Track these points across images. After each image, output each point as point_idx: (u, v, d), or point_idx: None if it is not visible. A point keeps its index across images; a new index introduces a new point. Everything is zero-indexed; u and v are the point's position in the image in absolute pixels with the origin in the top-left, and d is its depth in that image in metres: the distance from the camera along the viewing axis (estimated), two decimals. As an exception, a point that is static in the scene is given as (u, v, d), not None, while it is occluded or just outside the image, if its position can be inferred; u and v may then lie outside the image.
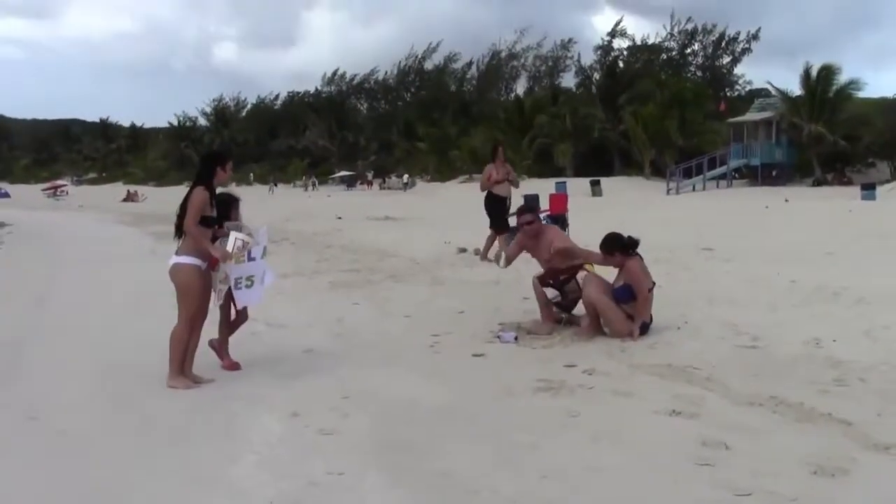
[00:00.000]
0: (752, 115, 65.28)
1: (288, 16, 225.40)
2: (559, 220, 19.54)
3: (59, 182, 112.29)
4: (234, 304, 9.06)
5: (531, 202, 22.30)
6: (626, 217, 28.70)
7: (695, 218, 30.34)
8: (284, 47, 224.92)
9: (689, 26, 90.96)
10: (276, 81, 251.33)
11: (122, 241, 29.87)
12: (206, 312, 8.75)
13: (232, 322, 9.22)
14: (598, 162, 69.56)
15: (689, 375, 8.04)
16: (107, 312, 13.11)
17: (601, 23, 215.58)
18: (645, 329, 9.81)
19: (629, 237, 10.17)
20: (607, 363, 8.64)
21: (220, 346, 9.16)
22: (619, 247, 10.08)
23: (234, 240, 8.43)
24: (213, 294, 8.66)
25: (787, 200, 40.25)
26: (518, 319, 11.08)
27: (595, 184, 56.36)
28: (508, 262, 11.93)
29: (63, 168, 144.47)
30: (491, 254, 17.26)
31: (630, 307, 9.82)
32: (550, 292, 10.61)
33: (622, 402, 7.30)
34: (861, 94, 63.50)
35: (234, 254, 8.40)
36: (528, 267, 15.95)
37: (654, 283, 10.02)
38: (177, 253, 8.43)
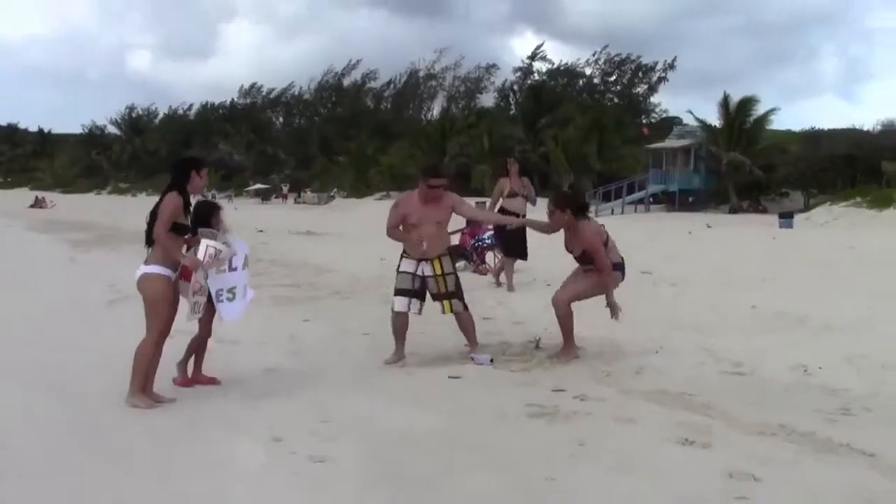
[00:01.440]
0: (671, 142, 65.85)
1: (206, 28, 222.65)
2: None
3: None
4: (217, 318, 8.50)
5: (474, 221, 22.02)
6: (550, 238, 28.45)
7: (621, 241, 29.99)
8: (201, 59, 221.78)
9: (615, 55, 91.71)
10: (192, 93, 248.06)
11: (36, 249, 28.88)
12: (170, 327, 8.17)
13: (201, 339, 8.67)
14: (517, 183, 69.55)
15: (686, 402, 7.71)
16: (37, 327, 12.32)
17: (521, 46, 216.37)
18: (621, 270, 9.88)
19: (581, 200, 10.05)
20: (597, 388, 8.25)
21: (183, 363, 8.61)
22: (573, 204, 9.68)
23: (205, 247, 7.87)
24: (188, 307, 8.09)
25: (709, 226, 40.44)
26: (481, 340, 10.61)
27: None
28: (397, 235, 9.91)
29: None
30: (503, 277, 16.21)
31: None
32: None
33: (627, 430, 6.91)
34: (776, 127, 64.58)
35: (205, 262, 7.85)
36: (485, 289, 15.74)
37: (608, 236, 9.87)
38: (146, 262, 7.87)
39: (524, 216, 15.14)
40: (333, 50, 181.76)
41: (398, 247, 9.61)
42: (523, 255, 15.81)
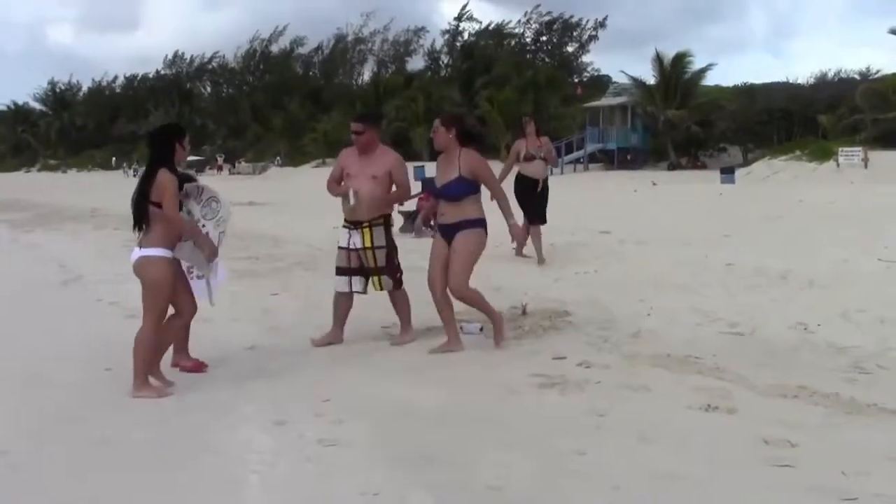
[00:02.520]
0: (607, 101, 65.83)
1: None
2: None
3: None
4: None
5: (428, 185, 21.71)
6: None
7: (570, 201, 30.03)
8: (125, 30, 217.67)
9: (545, 14, 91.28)
10: (117, 65, 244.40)
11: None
12: (194, 306, 7.80)
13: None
14: (454, 146, 69.16)
15: (694, 366, 7.50)
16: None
17: (450, 9, 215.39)
18: (485, 225, 8.56)
19: (471, 127, 9.20)
20: (598, 355, 7.99)
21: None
22: (460, 125, 8.62)
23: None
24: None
25: (654, 184, 40.46)
26: (465, 308, 10.25)
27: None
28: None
29: None
30: (528, 249, 14.62)
31: (470, 204, 8.42)
32: None
33: (645, 398, 6.66)
34: (713, 82, 64.89)
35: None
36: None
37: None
38: (141, 245, 7.39)
39: (546, 180, 14.71)
40: (260, 17, 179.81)
41: (341, 215, 9.10)
42: (544, 219, 14.71)
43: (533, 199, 14.43)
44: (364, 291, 9.03)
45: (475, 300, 8.55)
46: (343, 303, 9.05)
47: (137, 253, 7.38)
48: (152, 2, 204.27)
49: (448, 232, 8.44)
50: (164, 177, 7.21)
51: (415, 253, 15.82)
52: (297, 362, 8.24)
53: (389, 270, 8.94)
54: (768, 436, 5.61)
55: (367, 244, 8.81)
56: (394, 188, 8.94)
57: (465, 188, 8.34)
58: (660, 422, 6.06)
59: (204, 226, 7.82)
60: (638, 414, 6.26)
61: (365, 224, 8.78)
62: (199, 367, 8.04)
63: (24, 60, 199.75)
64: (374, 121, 9.34)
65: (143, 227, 7.33)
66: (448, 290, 8.47)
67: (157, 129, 7.77)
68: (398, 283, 9.07)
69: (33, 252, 19.97)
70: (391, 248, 8.96)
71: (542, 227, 14.57)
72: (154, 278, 7.34)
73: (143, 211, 7.29)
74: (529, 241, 14.45)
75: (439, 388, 7.16)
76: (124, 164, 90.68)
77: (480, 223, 8.45)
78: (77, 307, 11.89)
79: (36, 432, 6.52)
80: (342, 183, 8.93)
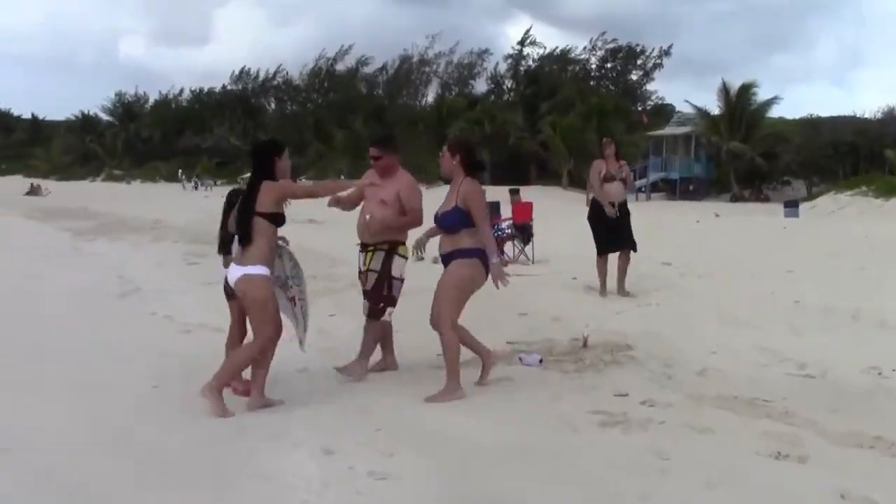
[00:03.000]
0: (671, 130, 65.36)
1: (200, 13, 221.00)
2: (524, 229, 18.69)
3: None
4: None
5: (492, 209, 21.50)
6: (556, 226, 28.06)
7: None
8: (196, 44, 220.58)
9: (611, 41, 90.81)
10: (187, 78, 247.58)
11: (37, 237, 28.32)
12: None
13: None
14: (515, 171, 68.82)
15: (763, 409, 7.17)
16: (51, 318, 11.85)
17: (516, 33, 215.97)
18: (482, 256, 7.82)
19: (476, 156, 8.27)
20: (661, 393, 7.70)
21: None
22: (465, 151, 8.02)
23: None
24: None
25: (717, 215, 39.95)
26: (524, 337, 10.15)
27: (514, 192, 55.30)
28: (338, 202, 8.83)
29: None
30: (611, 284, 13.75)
31: (467, 236, 7.80)
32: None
33: (711, 442, 6.37)
34: (776, 114, 64.30)
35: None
36: (512, 281, 15.12)
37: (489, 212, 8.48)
38: (242, 263, 7.21)
39: (625, 203, 13.95)
40: (328, 35, 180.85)
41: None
42: (633, 244, 13.85)
43: (608, 226, 13.62)
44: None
45: (451, 345, 7.78)
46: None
47: (239, 271, 7.20)
48: (224, 17, 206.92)
49: (445, 263, 7.99)
50: (269, 183, 7.21)
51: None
52: (351, 387, 8.06)
53: (373, 296, 8.59)
54: (846, 490, 5.30)
55: (364, 266, 8.65)
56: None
57: (461, 219, 7.78)
58: (727, 468, 5.77)
59: (291, 287, 7.82)
60: (704, 458, 5.98)
61: (370, 247, 8.58)
62: (246, 388, 7.86)
63: (96, 72, 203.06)
64: (391, 145, 8.95)
65: (245, 243, 7.19)
66: (431, 319, 7.96)
67: (257, 146, 7.72)
68: (377, 312, 8.63)
69: (94, 261, 20.02)
70: (383, 276, 8.56)
71: (608, 256, 13.81)
72: (259, 297, 7.19)
73: (248, 225, 7.17)
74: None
75: (496, 422, 6.91)
76: (182, 177, 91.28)
77: (476, 253, 7.81)
78: (132, 320, 11.85)
79: (83, 449, 6.39)
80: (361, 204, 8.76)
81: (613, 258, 13.84)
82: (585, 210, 14.55)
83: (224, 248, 8.12)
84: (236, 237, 7.39)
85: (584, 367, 8.76)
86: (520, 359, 8.98)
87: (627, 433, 6.55)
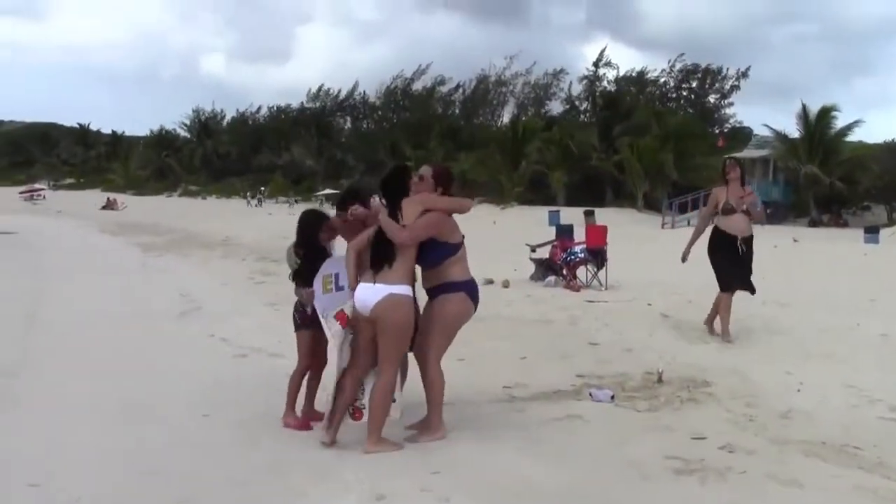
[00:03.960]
0: (749, 153, 64.23)
1: (282, 31, 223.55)
2: (598, 253, 18.11)
3: (37, 186, 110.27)
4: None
5: (565, 232, 20.99)
6: (631, 250, 27.57)
7: (706, 255, 29.13)
8: (276, 62, 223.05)
9: (690, 64, 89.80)
10: (265, 96, 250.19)
11: (107, 251, 28.51)
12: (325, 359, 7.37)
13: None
14: (590, 192, 68.12)
15: (855, 459, 6.55)
16: (108, 339, 11.62)
17: (593, 51, 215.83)
18: (472, 292, 7.20)
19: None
20: (742, 437, 7.11)
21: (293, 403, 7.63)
22: (449, 184, 7.37)
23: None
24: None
25: (795, 240, 38.95)
26: (594, 370, 9.60)
27: (589, 214, 54.40)
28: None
29: (40, 172, 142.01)
30: (718, 325, 12.07)
31: (451, 268, 7.12)
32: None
33: (798, 497, 5.78)
34: (855, 138, 62.99)
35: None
36: (577, 304, 14.65)
37: (463, 238, 7.37)
38: (387, 280, 6.68)
39: (750, 239, 12.01)
40: (408, 54, 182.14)
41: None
42: (750, 286, 12.14)
43: (730, 259, 11.87)
44: None
45: (436, 383, 7.15)
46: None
47: (382, 290, 6.66)
48: (305, 35, 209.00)
49: (431, 296, 7.25)
50: (412, 199, 6.93)
51: (545, 303, 15.23)
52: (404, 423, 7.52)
53: None
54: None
55: None
56: None
57: (442, 251, 7.09)
58: (817, 529, 5.21)
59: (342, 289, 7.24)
60: (791, 517, 5.43)
61: None
62: (304, 424, 7.40)
63: (176, 88, 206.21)
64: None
65: (386, 263, 6.72)
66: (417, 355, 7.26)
67: (394, 170, 7.30)
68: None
69: (159, 277, 19.92)
70: None
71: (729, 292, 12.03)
72: (402, 321, 6.73)
73: (388, 247, 6.72)
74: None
75: (562, 465, 6.39)
76: (248, 194, 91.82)
77: (463, 287, 7.17)
78: (189, 341, 11.59)
79: (119, 482, 6.07)
80: None
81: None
82: (660, 233, 13.89)
83: (300, 278, 7.51)
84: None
85: (658, 404, 8.17)
86: (590, 394, 8.44)
87: (704, 484, 5.98)
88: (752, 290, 12.17)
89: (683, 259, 12.31)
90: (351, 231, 7.31)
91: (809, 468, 6.34)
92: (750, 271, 12.03)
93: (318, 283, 7.20)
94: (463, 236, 7.23)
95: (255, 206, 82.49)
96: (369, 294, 6.64)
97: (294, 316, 7.64)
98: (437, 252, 7.04)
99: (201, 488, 5.91)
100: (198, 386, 8.86)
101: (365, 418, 6.93)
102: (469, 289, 7.18)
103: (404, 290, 6.68)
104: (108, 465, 6.41)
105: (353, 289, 6.83)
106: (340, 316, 6.87)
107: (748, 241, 11.95)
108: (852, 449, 6.77)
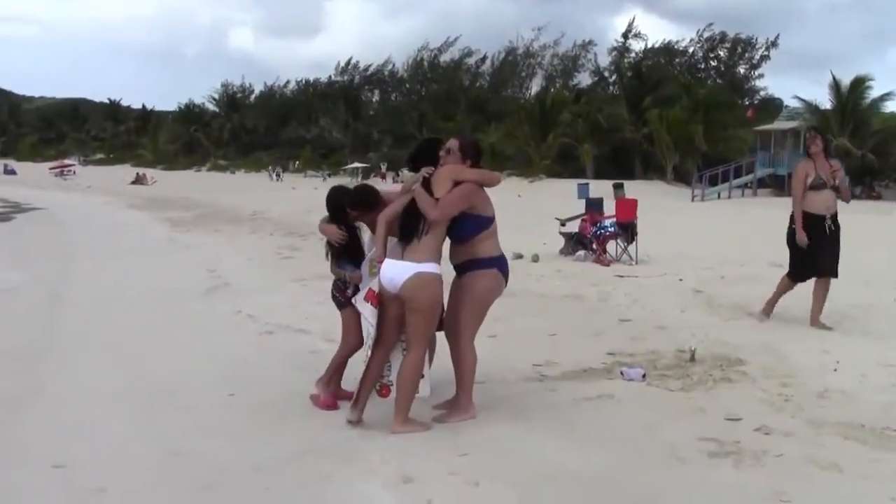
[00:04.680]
0: (779, 124, 63.58)
1: (309, 4, 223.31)
2: (628, 227, 17.89)
3: (67, 161, 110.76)
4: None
5: (595, 206, 20.77)
6: (661, 223, 27.31)
7: (738, 228, 28.94)
8: (302, 36, 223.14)
9: (717, 33, 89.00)
10: (295, 70, 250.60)
11: (135, 227, 28.53)
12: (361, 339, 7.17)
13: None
14: (619, 164, 67.77)
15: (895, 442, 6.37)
16: (134, 317, 11.57)
17: (623, 22, 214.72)
18: (503, 268, 7.03)
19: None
20: (778, 417, 6.90)
21: (328, 381, 7.44)
22: (477, 155, 7.17)
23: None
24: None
25: (827, 213, 38.57)
26: (625, 348, 9.42)
27: (618, 187, 54.25)
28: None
29: (70, 147, 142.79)
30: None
31: (481, 243, 6.89)
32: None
33: (837, 482, 5.58)
34: (889, 109, 62.19)
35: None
36: (608, 279, 14.48)
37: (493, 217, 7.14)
38: (416, 259, 6.48)
39: (835, 217, 10.91)
40: (438, 27, 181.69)
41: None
42: (834, 271, 11.00)
43: (817, 243, 10.81)
44: None
45: (468, 362, 7.00)
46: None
47: (411, 268, 6.46)
48: (334, 8, 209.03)
49: (459, 273, 7.06)
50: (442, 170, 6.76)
51: (575, 278, 15.06)
52: (429, 401, 7.36)
53: None
54: None
55: None
56: None
57: (473, 225, 6.87)
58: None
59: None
60: (829, 501, 5.25)
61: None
62: (332, 404, 7.25)
63: (205, 62, 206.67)
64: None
65: (415, 238, 6.53)
66: (454, 343, 7.07)
67: (428, 142, 7.28)
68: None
69: (187, 254, 19.87)
70: None
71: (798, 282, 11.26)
72: (432, 300, 6.58)
73: (419, 220, 6.53)
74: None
75: (594, 449, 6.22)
76: (270, 167, 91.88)
77: (494, 263, 6.98)
78: (215, 319, 11.51)
79: (141, 467, 5.97)
80: None
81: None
82: (690, 206, 13.59)
83: (337, 259, 7.36)
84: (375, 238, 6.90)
85: (691, 384, 7.98)
86: (621, 373, 8.26)
87: (739, 467, 5.80)
88: (835, 274, 10.98)
89: (803, 244, 10.86)
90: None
91: (849, 451, 6.13)
92: (836, 255, 10.95)
93: (364, 265, 7.08)
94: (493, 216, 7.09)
95: (276, 180, 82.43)
96: (397, 272, 6.47)
97: (335, 295, 7.42)
98: (470, 225, 6.84)
99: (225, 472, 5.80)
100: (224, 365, 8.76)
101: (392, 395, 6.81)
102: (500, 265, 7.01)
103: (433, 267, 6.50)
104: (131, 448, 6.32)
105: (380, 262, 6.66)
106: (371, 295, 6.71)
107: (835, 217, 10.93)
108: (892, 432, 6.55)
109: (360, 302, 6.84)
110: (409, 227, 6.55)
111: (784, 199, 53.40)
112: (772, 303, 11.34)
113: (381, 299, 6.66)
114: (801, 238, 10.73)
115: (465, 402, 7.01)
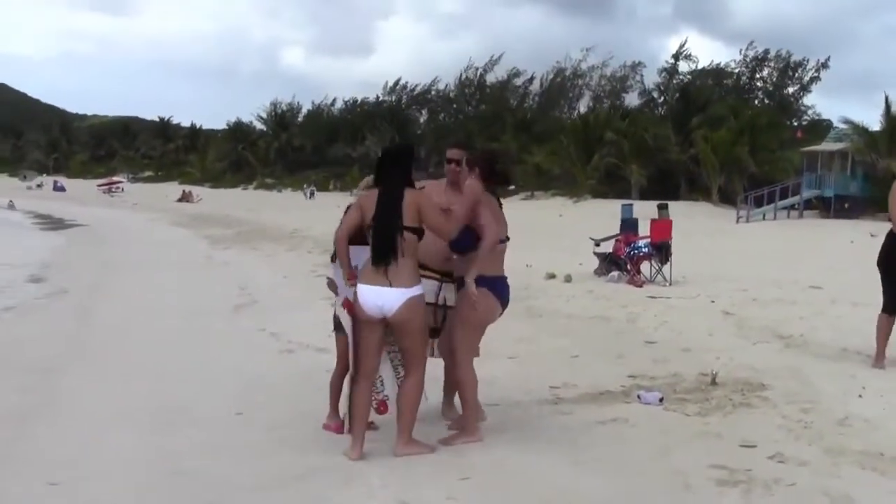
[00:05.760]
0: (827, 146, 62.92)
1: (362, 25, 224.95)
2: (662, 248, 17.70)
3: (116, 179, 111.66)
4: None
5: (629, 226, 20.57)
6: (702, 244, 27.14)
7: (780, 249, 28.67)
8: (355, 55, 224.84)
9: (760, 52, 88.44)
10: (346, 89, 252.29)
11: (174, 244, 28.71)
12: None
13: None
14: (664, 185, 67.28)
15: (914, 472, 6.14)
16: (157, 333, 11.63)
17: (675, 43, 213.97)
18: (499, 289, 6.85)
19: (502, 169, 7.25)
20: (795, 445, 6.69)
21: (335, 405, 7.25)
22: (483, 163, 6.89)
23: None
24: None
25: (872, 235, 37.92)
26: (647, 370, 9.24)
27: (663, 207, 53.54)
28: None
29: (120, 165, 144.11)
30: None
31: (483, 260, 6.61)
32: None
33: (849, 514, 5.41)
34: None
35: None
36: (639, 301, 14.32)
37: (507, 237, 7.07)
38: (405, 284, 6.26)
39: None
40: (490, 48, 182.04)
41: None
42: None
43: None
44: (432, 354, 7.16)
45: (469, 383, 6.80)
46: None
47: (402, 294, 6.24)
48: (387, 28, 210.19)
49: (460, 288, 6.77)
50: (416, 193, 6.41)
51: (605, 299, 14.88)
52: (437, 423, 7.26)
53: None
54: None
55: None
56: None
57: (475, 239, 6.64)
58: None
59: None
60: (837, 535, 5.06)
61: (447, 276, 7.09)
62: (339, 427, 7.10)
63: (256, 81, 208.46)
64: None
65: (393, 261, 6.23)
66: (452, 359, 6.92)
67: (399, 149, 7.03)
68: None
69: (221, 271, 19.93)
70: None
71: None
72: (424, 321, 6.45)
73: (395, 241, 6.23)
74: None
75: (603, 474, 6.06)
76: (305, 186, 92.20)
77: (492, 283, 6.75)
78: (238, 337, 11.48)
79: (138, 486, 5.88)
80: None
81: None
82: (735, 228, 13.31)
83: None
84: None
85: (709, 408, 7.77)
86: (638, 396, 8.08)
87: (748, 497, 5.59)
88: None
89: None
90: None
91: (865, 481, 5.91)
92: None
93: (339, 275, 6.87)
94: (507, 237, 6.94)
95: (309, 198, 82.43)
96: (386, 299, 6.22)
97: (335, 316, 7.26)
98: (468, 240, 6.62)
99: (224, 493, 5.71)
100: (237, 383, 8.70)
101: (390, 411, 6.67)
102: (495, 286, 6.81)
103: (421, 289, 6.35)
104: (134, 466, 6.25)
105: (350, 283, 6.46)
106: (346, 303, 6.55)
107: None
108: (912, 461, 6.34)
109: (338, 308, 6.71)
110: (384, 249, 6.26)
111: (829, 220, 53.02)
112: (881, 351, 9.66)
113: (355, 314, 6.45)
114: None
115: (470, 425, 6.86)
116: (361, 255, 6.45)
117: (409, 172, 6.50)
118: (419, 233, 6.33)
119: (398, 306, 6.22)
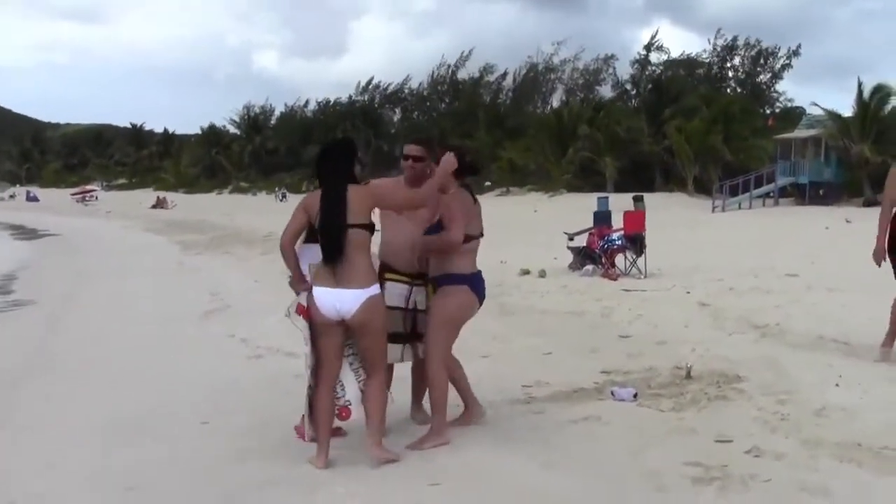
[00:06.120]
0: (800, 133, 63.04)
1: (335, 26, 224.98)
2: (636, 240, 17.60)
3: (89, 187, 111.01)
4: None
5: (603, 219, 20.45)
6: (677, 235, 27.05)
7: (756, 238, 28.63)
8: (329, 56, 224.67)
9: (729, 40, 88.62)
10: (320, 90, 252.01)
11: (147, 250, 28.45)
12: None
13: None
14: (639, 177, 67.25)
15: (894, 463, 5.97)
16: (125, 341, 11.47)
17: (647, 35, 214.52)
18: (476, 285, 6.71)
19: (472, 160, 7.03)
20: (771, 438, 6.54)
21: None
22: (460, 161, 6.58)
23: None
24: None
25: (848, 221, 38.02)
26: (622, 365, 9.10)
27: (638, 199, 53.38)
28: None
29: (93, 173, 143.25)
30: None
31: (457, 258, 6.58)
32: None
33: (826, 509, 5.26)
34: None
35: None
36: (613, 294, 14.19)
37: (482, 233, 6.81)
38: (363, 285, 6.04)
39: None
40: (465, 44, 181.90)
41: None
42: None
43: None
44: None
45: (439, 383, 6.64)
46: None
47: (361, 294, 6.01)
48: (360, 28, 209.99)
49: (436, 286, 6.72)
50: (362, 188, 6.23)
51: (580, 294, 14.75)
52: (406, 425, 7.13)
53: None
54: None
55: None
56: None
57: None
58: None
59: None
60: (817, 533, 4.91)
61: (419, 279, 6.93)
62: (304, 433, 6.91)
63: (229, 85, 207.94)
64: (433, 148, 7.05)
65: (343, 260, 6.00)
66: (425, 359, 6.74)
67: (338, 144, 6.64)
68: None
69: (192, 277, 19.76)
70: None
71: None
72: (384, 319, 6.25)
73: (341, 239, 6.01)
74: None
75: (574, 474, 5.90)
76: (276, 188, 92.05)
77: (466, 280, 6.65)
78: (207, 342, 11.34)
79: (101, 500, 5.74)
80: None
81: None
82: (710, 217, 13.20)
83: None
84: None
85: (684, 403, 7.60)
86: (612, 393, 7.92)
87: (724, 494, 5.44)
88: None
89: (879, 263, 9.70)
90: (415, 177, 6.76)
91: (842, 474, 5.75)
92: None
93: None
94: (482, 233, 6.77)
95: (281, 200, 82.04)
96: (344, 300, 6.01)
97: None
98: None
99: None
100: (204, 390, 8.51)
101: (353, 416, 6.47)
102: (472, 282, 6.68)
103: (378, 288, 6.16)
104: (94, 482, 6.05)
105: (300, 286, 6.33)
106: (301, 309, 6.36)
107: None
108: (891, 451, 6.17)
109: (293, 317, 6.50)
110: (331, 248, 6.04)
111: (805, 207, 53.07)
112: (892, 335, 9.53)
113: (311, 319, 6.25)
114: (879, 255, 9.53)
115: (438, 427, 6.68)
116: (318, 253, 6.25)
117: (352, 168, 6.26)
118: (369, 228, 6.12)
119: (356, 307, 6.01)
